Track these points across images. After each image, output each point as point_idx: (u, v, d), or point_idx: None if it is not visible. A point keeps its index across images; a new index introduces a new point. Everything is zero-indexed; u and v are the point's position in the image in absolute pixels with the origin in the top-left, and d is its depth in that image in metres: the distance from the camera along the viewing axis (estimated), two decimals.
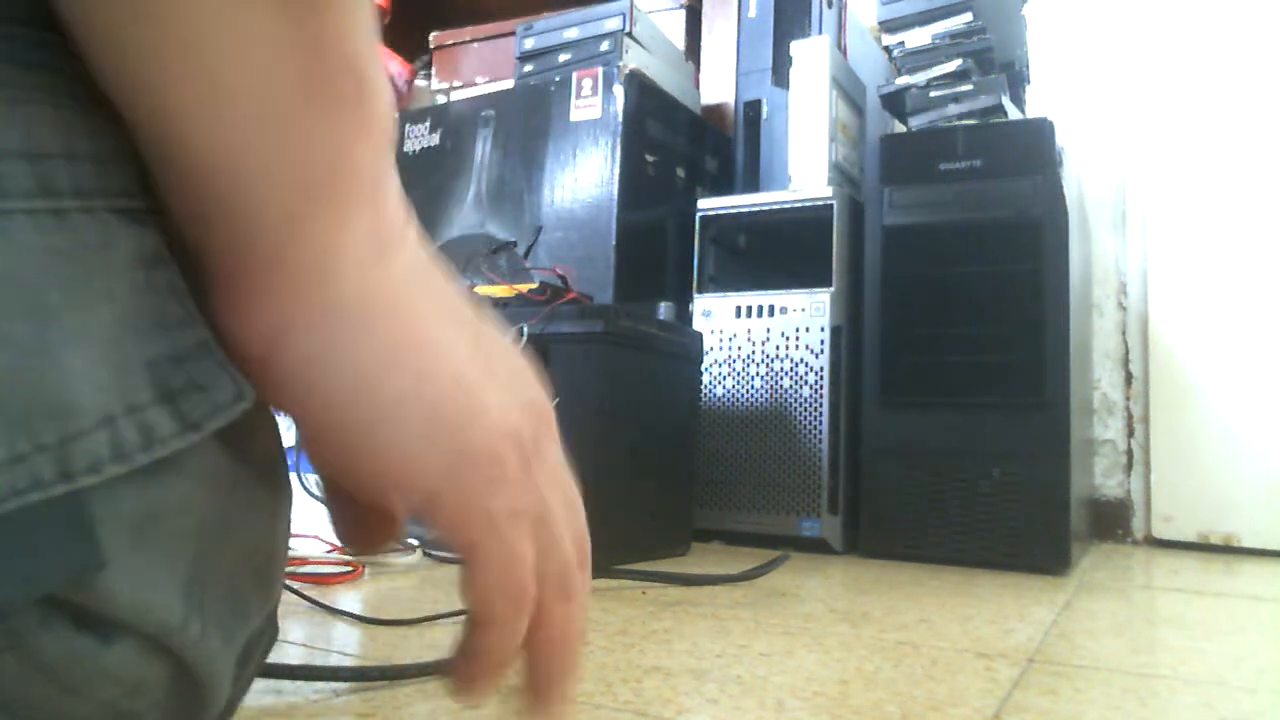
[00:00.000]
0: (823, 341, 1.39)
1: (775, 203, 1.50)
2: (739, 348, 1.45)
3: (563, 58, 1.61)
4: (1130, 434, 1.72)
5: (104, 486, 0.22)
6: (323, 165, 0.24)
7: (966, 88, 1.46)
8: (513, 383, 0.29)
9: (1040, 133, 1.32)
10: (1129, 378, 1.74)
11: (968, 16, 1.52)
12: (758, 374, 1.43)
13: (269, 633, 0.32)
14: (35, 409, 0.21)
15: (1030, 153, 1.31)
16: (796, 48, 1.54)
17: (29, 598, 0.21)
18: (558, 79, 1.53)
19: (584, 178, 1.47)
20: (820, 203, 1.45)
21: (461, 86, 1.98)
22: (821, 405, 1.38)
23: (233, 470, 0.27)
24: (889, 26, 1.60)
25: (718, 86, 1.77)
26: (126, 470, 0.22)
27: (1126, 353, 1.74)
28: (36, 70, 0.23)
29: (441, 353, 0.27)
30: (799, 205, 1.47)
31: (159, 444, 0.23)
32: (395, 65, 1.95)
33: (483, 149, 1.59)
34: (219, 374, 0.26)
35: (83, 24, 0.22)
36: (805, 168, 1.50)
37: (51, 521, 0.21)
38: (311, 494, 1.31)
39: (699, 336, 1.39)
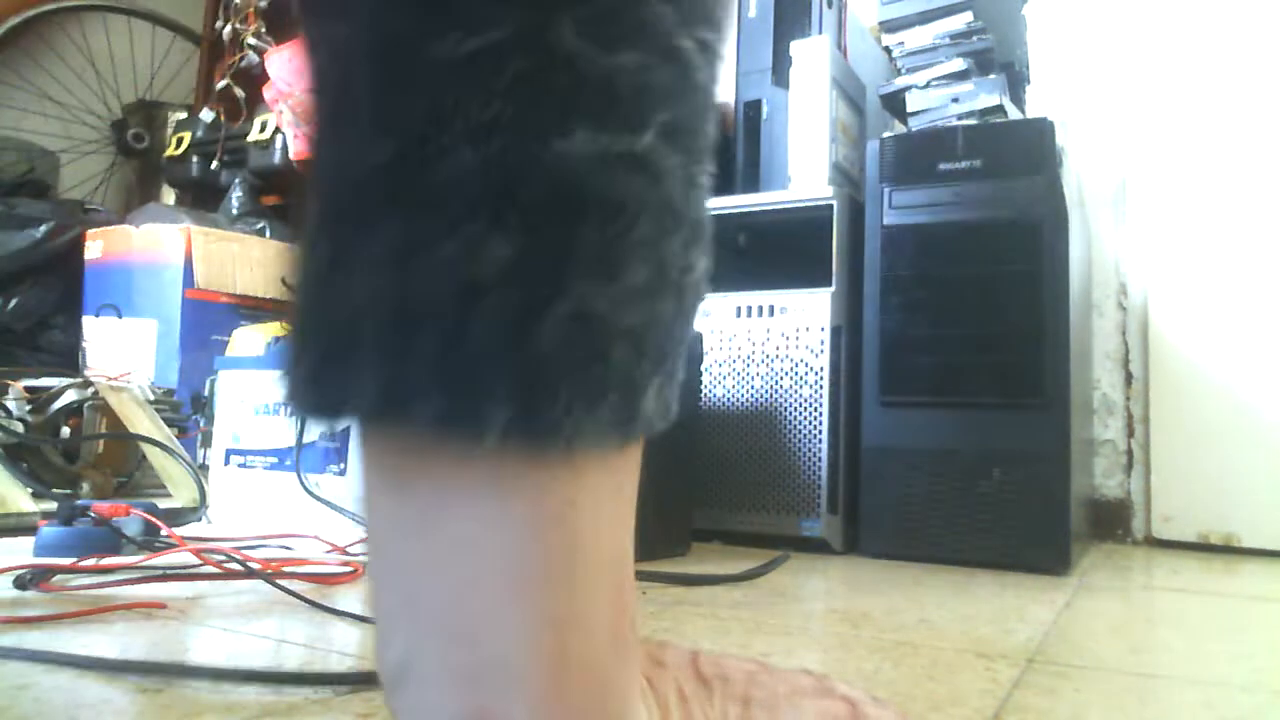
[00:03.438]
0: (823, 341, 1.39)
1: (775, 203, 1.50)
2: (739, 348, 1.45)
3: None
4: (1130, 434, 1.72)
5: None
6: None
7: (966, 88, 1.46)
8: None
9: (1040, 133, 1.32)
10: (1129, 378, 1.74)
11: (968, 16, 1.52)
12: (758, 374, 1.43)
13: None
14: None
15: (1030, 153, 1.31)
16: (796, 48, 1.54)
17: None
18: None
19: None
20: (820, 203, 1.45)
21: None
22: (821, 405, 1.38)
23: None
24: (889, 26, 1.60)
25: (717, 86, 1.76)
26: None
27: (1126, 353, 1.74)
28: None
29: None
30: (799, 205, 1.47)
31: None
32: None
33: None
34: None
35: None
36: (805, 168, 1.50)
37: None
38: (311, 494, 1.31)
39: (699, 336, 1.39)
